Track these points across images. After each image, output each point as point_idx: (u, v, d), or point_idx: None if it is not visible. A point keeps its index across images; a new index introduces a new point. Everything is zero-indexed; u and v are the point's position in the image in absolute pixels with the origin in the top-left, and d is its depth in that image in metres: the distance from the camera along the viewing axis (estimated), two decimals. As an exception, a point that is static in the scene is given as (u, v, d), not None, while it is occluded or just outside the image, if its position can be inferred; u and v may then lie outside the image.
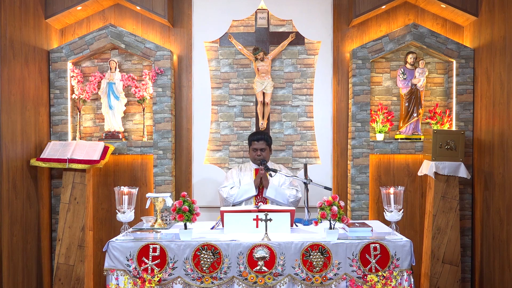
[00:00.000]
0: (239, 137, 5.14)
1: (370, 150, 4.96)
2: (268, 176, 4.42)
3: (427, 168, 4.63)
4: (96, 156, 4.57)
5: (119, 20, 5.15)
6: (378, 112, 5.04)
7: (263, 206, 3.81)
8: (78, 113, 5.04)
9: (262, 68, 5.03)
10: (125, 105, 5.07)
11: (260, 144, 4.48)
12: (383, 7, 4.96)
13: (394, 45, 4.97)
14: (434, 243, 4.60)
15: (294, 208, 3.83)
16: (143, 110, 5.06)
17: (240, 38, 5.13)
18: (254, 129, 5.14)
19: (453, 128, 4.97)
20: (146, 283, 3.31)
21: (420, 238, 4.98)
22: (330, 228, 3.41)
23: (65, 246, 4.49)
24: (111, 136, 4.96)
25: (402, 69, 5.01)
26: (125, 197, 3.55)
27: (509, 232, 4.11)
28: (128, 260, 3.37)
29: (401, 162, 5.09)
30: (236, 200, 4.42)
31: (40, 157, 4.52)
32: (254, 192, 4.40)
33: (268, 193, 4.36)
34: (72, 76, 4.97)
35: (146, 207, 3.99)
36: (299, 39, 5.13)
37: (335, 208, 3.33)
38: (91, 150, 4.62)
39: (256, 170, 4.51)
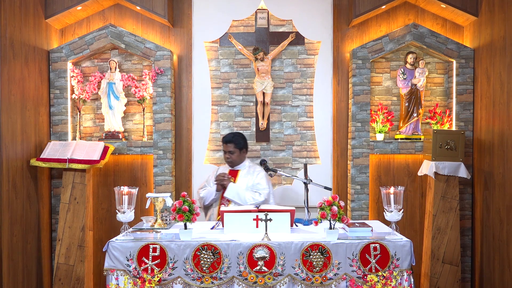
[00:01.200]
0: (239, 137, 5.14)
1: (370, 150, 4.96)
2: (237, 179, 4.41)
3: (427, 168, 4.63)
4: (96, 156, 4.57)
5: (119, 20, 5.15)
6: (378, 112, 5.04)
7: (263, 206, 3.81)
8: (78, 113, 5.04)
9: (262, 68, 5.03)
10: (125, 105, 5.07)
11: (228, 147, 4.41)
12: (383, 7, 4.96)
13: (394, 45, 4.97)
14: (434, 243, 4.60)
15: (294, 208, 3.83)
16: (143, 110, 5.06)
17: (240, 38, 5.13)
18: (254, 129, 5.14)
19: (453, 128, 4.97)
20: (146, 283, 3.31)
21: (420, 238, 4.98)
22: (330, 228, 3.41)
23: (65, 246, 4.49)
24: (111, 136, 4.96)
25: (402, 69, 5.01)
26: (125, 197, 3.54)
27: (509, 232, 4.11)
28: (128, 260, 3.37)
29: (401, 162, 5.09)
30: (206, 202, 4.46)
31: (40, 157, 4.52)
32: (213, 195, 4.41)
33: (226, 193, 4.30)
34: (72, 76, 4.97)
35: (146, 207, 3.98)
36: (299, 39, 5.13)
37: (335, 208, 3.33)
38: (91, 150, 4.62)
39: (229, 172, 4.45)
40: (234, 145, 4.39)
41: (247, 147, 4.53)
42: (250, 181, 4.39)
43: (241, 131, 4.92)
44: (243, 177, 4.38)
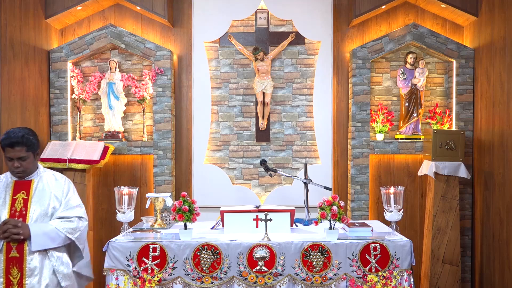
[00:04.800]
0: (239, 137, 5.14)
1: (370, 150, 4.97)
2: (33, 194, 3.03)
3: (427, 168, 4.63)
4: (96, 156, 4.57)
5: (119, 20, 5.15)
6: (378, 112, 5.04)
7: (263, 206, 3.82)
8: (78, 113, 5.04)
9: (262, 68, 5.03)
10: (125, 105, 5.07)
11: (17, 152, 2.96)
12: (383, 7, 4.96)
13: (394, 45, 4.97)
14: (434, 243, 4.60)
15: (294, 208, 3.83)
16: (143, 110, 5.06)
17: (240, 38, 5.13)
18: (254, 129, 5.14)
19: (453, 128, 4.97)
20: (146, 283, 3.31)
21: (420, 238, 4.98)
22: (330, 228, 3.41)
23: (65, 246, 4.48)
24: (111, 136, 4.96)
25: (402, 69, 5.02)
26: (125, 197, 3.55)
27: (509, 232, 4.11)
28: (128, 260, 3.37)
29: (401, 162, 5.09)
30: None
31: (40, 157, 4.52)
32: None
33: (35, 247, 2.92)
34: (72, 76, 4.98)
35: (146, 207, 3.99)
36: (299, 39, 5.13)
37: (335, 208, 3.33)
38: (91, 150, 4.62)
39: (16, 184, 3.03)
40: (27, 148, 2.98)
41: (39, 147, 3.14)
42: (55, 192, 3.09)
43: (30, 128, 3.28)
44: (41, 190, 3.05)
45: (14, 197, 3.02)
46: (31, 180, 3.07)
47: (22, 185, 3.05)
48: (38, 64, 4.70)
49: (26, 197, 3.04)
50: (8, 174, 3.09)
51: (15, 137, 2.97)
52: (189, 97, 5.19)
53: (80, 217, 3.15)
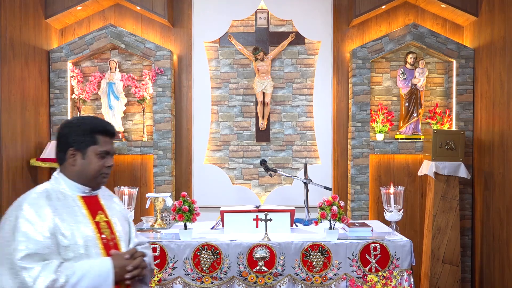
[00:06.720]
0: (239, 137, 5.14)
1: (370, 150, 4.97)
2: (109, 212, 2.12)
3: (427, 168, 4.63)
4: (96, 156, 4.57)
5: (119, 20, 5.15)
6: (378, 112, 5.04)
7: (263, 206, 3.82)
8: (78, 113, 5.04)
9: (262, 68, 5.03)
10: (125, 105, 5.07)
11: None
12: (383, 7, 4.96)
13: (394, 45, 4.97)
14: (434, 243, 4.60)
15: (294, 208, 3.83)
16: (143, 110, 5.06)
17: (240, 38, 5.13)
18: (254, 129, 5.13)
19: (453, 128, 4.97)
20: (146, 283, 3.31)
21: (420, 238, 4.98)
22: (330, 228, 3.41)
23: (65, 246, 4.48)
24: (111, 136, 4.96)
25: (402, 69, 5.02)
26: (125, 197, 3.55)
27: (509, 232, 4.11)
28: (128, 260, 3.36)
29: (401, 162, 5.09)
30: None
31: (40, 157, 4.52)
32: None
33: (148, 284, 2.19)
34: (72, 76, 4.98)
35: (146, 207, 3.98)
36: (299, 39, 5.13)
37: (335, 208, 3.33)
38: (91, 150, 4.61)
39: (88, 201, 2.06)
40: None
41: None
42: (122, 211, 2.26)
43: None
44: (112, 208, 2.17)
45: (95, 220, 2.03)
46: (96, 195, 2.12)
47: (93, 203, 2.08)
48: (38, 64, 4.70)
49: (107, 219, 2.07)
50: (47, 186, 2.01)
51: (109, 123, 2.18)
52: (189, 97, 5.19)
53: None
